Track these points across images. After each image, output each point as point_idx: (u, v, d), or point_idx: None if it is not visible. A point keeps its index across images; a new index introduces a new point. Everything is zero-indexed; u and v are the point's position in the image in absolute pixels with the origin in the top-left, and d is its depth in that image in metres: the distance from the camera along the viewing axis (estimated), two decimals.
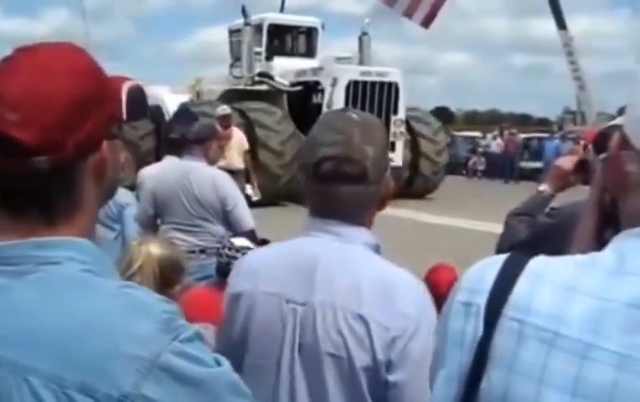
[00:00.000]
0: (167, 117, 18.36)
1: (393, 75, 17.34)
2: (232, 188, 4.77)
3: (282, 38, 19.93)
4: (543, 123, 49.37)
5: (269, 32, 19.08)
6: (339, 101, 16.53)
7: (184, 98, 19.09)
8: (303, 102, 17.55)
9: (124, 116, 1.14)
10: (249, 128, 16.02)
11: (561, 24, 19.35)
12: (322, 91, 17.12)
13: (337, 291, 1.57)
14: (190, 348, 1.00)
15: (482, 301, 0.95)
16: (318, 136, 1.67)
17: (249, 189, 11.77)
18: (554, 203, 2.65)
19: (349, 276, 1.58)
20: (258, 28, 18.81)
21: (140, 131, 19.05)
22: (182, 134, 5.16)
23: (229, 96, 17.98)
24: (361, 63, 18.10)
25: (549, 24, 19.26)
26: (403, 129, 17.47)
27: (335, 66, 17.41)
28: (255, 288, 1.67)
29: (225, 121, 10.77)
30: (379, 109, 17.05)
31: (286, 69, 18.48)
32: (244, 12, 18.34)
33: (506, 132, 29.81)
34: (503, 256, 0.99)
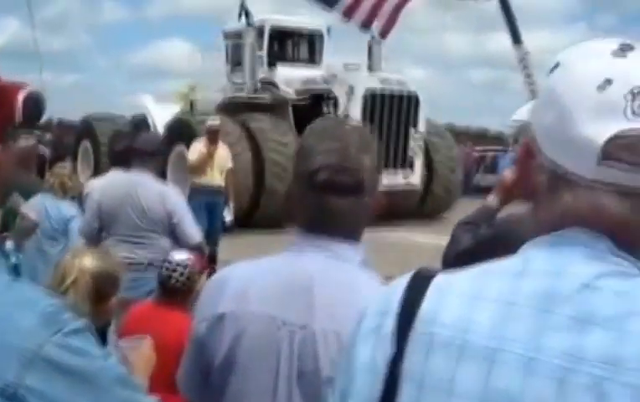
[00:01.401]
0: (152, 128, 16.77)
1: (413, 85, 15.84)
2: (179, 202, 4.79)
3: (285, 43, 18.02)
4: (499, 138, 49.32)
5: (271, 36, 17.23)
6: (356, 113, 14.85)
7: (174, 108, 17.27)
8: (311, 114, 15.77)
9: (18, 120, 1.18)
10: (256, 153, 14.37)
11: (516, 39, 18.68)
12: (335, 102, 15.34)
13: (339, 315, 1.45)
14: (74, 341, 1.04)
15: (391, 321, 0.95)
16: (314, 145, 1.59)
17: (225, 211, 10.48)
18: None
19: (351, 300, 1.41)
20: (259, 31, 16.92)
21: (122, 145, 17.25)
22: (126, 146, 5.18)
23: (230, 107, 16.17)
24: (370, 70, 16.53)
25: (507, 39, 18.63)
26: (422, 143, 16.04)
27: (351, 74, 15.47)
28: (243, 309, 1.54)
29: (213, 135, 10.01)
30: (397, 122, 15.40)
31: (291, 77, 16.51)
32: (246, 12, 16.56)
33: (462, 146, 29.44)
34: (408, 276, 0.99)
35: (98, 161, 17.08)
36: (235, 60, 17.31)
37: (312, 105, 15.81)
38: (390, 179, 15.33)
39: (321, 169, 1.54)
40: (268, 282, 1.56)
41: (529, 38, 20.17)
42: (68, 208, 5.42)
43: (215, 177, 9.88)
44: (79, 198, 5.68)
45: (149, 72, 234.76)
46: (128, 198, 4.61)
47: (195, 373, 1.63)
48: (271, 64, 17.06)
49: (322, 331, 1.47)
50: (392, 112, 15.18)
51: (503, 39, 16.24)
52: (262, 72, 16.78)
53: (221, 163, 10.04)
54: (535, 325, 0.85)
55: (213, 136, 9.99)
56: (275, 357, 1.49)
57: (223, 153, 10.19)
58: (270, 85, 16.43)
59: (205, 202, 9.43)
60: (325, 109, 15.74)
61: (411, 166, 15.78)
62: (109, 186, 4.93)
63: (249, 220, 13.51)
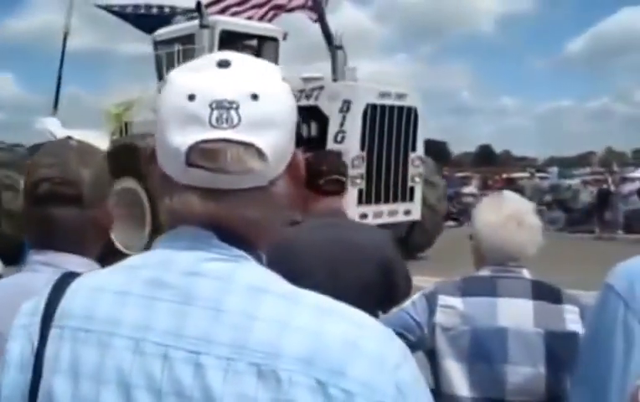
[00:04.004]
0: None
1: (411, 99, 13.15)
2: None
3: (236, 49, 14.56)
4: None
5: (222, 40, 13.70)
6: (355, 131, 12.08)
7: (93, 134, 13.12)
8: None
9: None
10: None
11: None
12: (321, 119, 12.42)
13: None
14: None
15: (37, 319, 1.02)
16: (37, 161, 1.67)
17: None
18: None
19: None
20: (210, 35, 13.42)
21: None
22: None
23: None
24: (334, 82, 13.71)
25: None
26: (422, 170, 13.40)
27: (346, 85, 12.62)
28: None
29: None
30: (397, 142, 12.74)
31: None
32: (199, 9, 12.99)
33: None
34: (56, 279, 1.08)
35: None
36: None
37: None
38: (391, 212, 12.76)
39: (41, 181, 1.61)
40: None
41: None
42: None
43: None
44: None
45: None
46: None
47: None
48: None
49: None
50: (392, 130, 12.63)
51: (325, 68, 13.88)
52: None
53: None
54: (144, 310, 0.94)
55: None
56: None
57: None
58: None
59: None
60: (306, 129, 12.66)
61: (411, 195, 13.20)
62: None
63: None
